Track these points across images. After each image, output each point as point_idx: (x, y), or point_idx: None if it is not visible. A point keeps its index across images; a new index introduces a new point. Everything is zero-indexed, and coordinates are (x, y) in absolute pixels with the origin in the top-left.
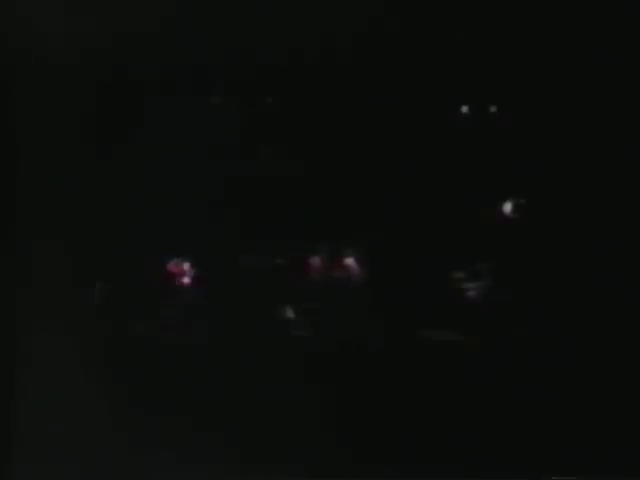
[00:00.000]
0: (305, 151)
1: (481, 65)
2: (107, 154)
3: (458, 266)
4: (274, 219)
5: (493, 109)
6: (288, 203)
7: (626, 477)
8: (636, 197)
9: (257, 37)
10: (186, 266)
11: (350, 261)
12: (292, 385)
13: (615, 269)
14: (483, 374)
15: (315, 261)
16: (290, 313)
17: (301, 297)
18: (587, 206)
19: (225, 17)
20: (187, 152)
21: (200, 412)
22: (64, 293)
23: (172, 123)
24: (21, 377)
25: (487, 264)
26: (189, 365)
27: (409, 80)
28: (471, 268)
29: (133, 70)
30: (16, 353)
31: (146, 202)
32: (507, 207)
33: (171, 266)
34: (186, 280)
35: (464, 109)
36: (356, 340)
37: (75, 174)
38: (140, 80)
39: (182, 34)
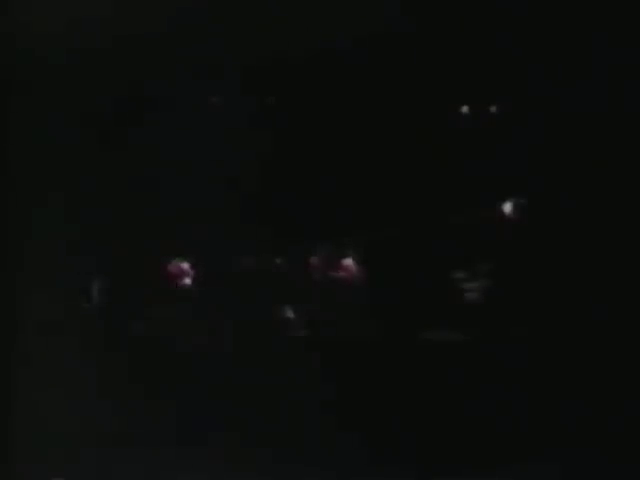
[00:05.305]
0: (305, 151)
1: (481, 65)
2: (107, 154)
3: (458, 266)
4: (274, 219)
5: (493, 109)
6: (288, 203)
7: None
8: (636, 197)
9: (256, 37)
10: (186, 266)
11: (350, 261)
12: (291, 385)
13: (615, 269)
14: (483, 374)
15: (315, 261)
16: (290, 313)
17: (301, 297)
18: (587, 206)
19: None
20: (187, 152)
21: (200, 412)
22: (64, 292)
23: (173, 123)
24: (20, 376)
25: (487, 264)
26: (189, 365)
27: (409, 81)
28: (471, 268)
29: (134, 70)
30: (15, 353)
31: (146, 202)
32: (507, 207)
33: (171, 266)
34: (187, 280)
35: (464, 109)
36: (356, 340)
37: (76, 174)
38: (141, 80)
39: (182, 34)
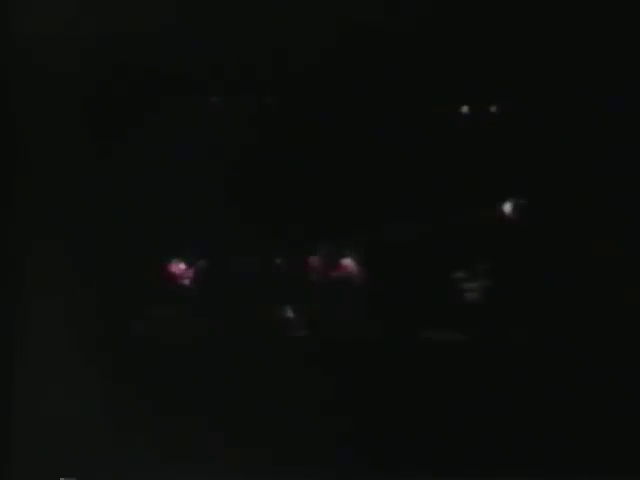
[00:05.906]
0: (305, 150)
1: (481, 65)
2: (106, 154)
3: (458, 266)
4: (274, 219)
5: (493, 109)
6: (288, 203)
7: (626, 477)
8: (636, 197)
9: (255, 37)
10: (186, 266)
11: (349, 261)
12: (291, 386)
13: (615, 268)
14: (483, 374)
15: (315, 261)
16: (290, 313)
17: (301, 297)
18: (587, 206)
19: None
20: (186, 152)
21: (200, 413)
22: (63, 292)
23: (171, 123)
24: (20, 377)
25: (487, 264)
26: (188, 366)
27: (409, 80)
28: (471, 268)
29: (132, 70)
30: (15, 353)
31: (145, 202)
32: (507, 207)
33: (171, 266)
34: (186, 280)
35: (464, 109)
36: (356, 340)
37: (74, 174)
38: (139, 80)
39: (181, 33)
